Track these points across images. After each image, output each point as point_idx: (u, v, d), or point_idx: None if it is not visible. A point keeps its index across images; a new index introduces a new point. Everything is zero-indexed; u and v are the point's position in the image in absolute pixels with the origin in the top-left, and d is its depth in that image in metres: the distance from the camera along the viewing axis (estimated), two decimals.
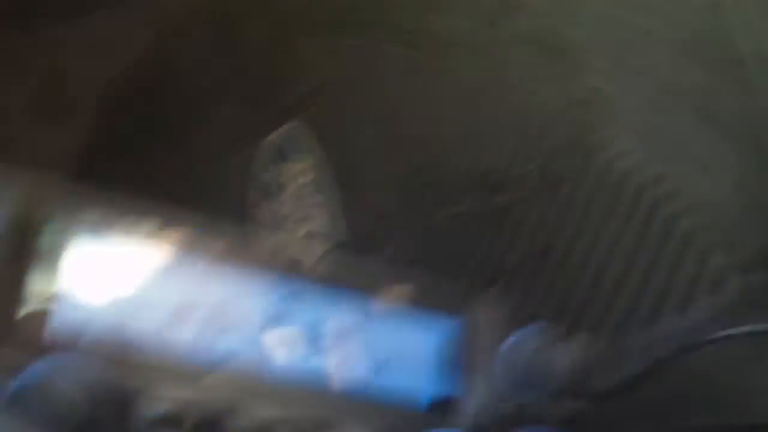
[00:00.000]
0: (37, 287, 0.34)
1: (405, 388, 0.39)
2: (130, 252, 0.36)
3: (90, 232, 0.36)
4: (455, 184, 0.69)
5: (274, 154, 0.68)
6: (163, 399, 0.34)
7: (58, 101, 0.65)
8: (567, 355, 0.40)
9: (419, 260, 0.67)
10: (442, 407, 0.40)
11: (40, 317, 0.34)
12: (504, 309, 0.48)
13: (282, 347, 0.37)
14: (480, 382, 0.42)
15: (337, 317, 0.39)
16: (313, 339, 0.38)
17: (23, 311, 0.34)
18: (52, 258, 0.34)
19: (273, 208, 0.66)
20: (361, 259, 0.67)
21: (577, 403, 0.43)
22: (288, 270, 0.39)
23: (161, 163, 0.72)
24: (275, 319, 0.38)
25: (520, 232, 0.66)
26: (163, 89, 0.68)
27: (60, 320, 0.34)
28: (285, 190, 0.67)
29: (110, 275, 0.35)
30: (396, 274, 0.47)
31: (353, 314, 0.39)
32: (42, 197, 0.35)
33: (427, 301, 0.42)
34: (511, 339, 0.42)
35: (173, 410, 0.34)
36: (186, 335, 0.36)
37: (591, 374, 0.43)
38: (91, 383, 0.32)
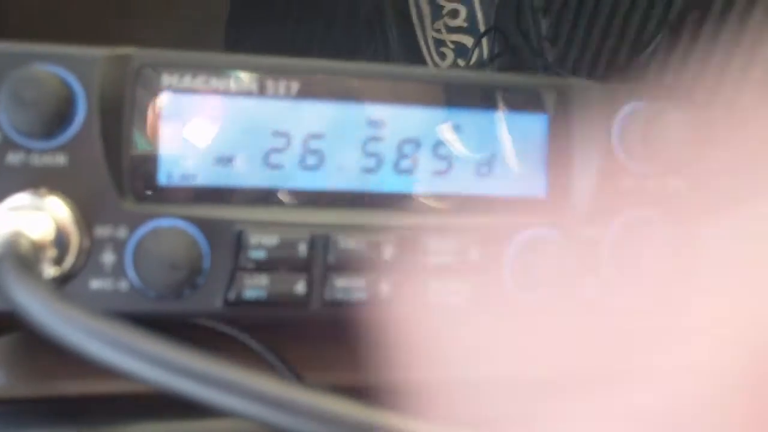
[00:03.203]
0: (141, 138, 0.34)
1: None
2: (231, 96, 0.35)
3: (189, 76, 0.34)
4: None
5: None
6: (272, 228, 0.34)
7: None
8: None
9: None
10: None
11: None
12: None
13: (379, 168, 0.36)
14: None
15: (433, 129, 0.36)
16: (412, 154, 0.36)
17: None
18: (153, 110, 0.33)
19: None
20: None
21: None
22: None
23: None
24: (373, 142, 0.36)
25: None
26: None
27: (165, 170, 0.34)
28: None
29: (211, 123, 0.34)
30: None
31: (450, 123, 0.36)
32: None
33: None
34: None
35: (285, 237, 0.34)
36: (284, 167, 0.35)
37: None
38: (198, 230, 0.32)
